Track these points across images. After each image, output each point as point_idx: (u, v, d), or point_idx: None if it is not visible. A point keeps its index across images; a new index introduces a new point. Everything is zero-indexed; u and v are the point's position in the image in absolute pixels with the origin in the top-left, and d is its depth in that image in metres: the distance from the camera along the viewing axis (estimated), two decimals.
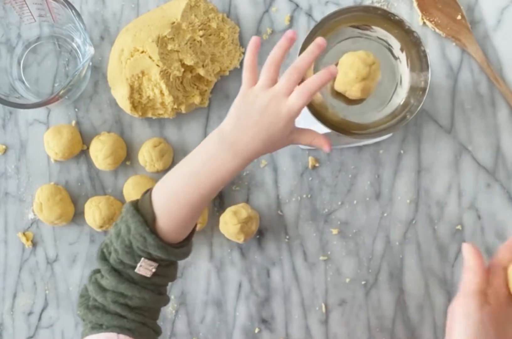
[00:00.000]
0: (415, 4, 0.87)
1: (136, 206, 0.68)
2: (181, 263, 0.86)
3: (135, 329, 0.67)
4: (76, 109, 0.87)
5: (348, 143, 0.85)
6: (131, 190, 0.84)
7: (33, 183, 0.87)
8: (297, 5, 0.88)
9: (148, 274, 0.67)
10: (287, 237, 0.86)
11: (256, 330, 0.85)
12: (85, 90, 0.87)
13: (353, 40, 0.74)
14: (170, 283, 0.85)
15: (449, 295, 0.86)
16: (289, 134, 0.68)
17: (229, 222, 0.82)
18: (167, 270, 0.70)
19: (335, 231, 0.86)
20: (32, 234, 0.86)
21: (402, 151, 0.87)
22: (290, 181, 0.87)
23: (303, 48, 0.72)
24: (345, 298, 0.86)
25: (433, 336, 0.86)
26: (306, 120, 0.79)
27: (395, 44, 0.74)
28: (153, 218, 0.67)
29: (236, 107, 0.68)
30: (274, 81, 0.67)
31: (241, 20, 0.88)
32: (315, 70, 0.73)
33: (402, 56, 0.74)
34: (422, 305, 0.86)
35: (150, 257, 0.67)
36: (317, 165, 0.87)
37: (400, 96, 0.74)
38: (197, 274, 0.86)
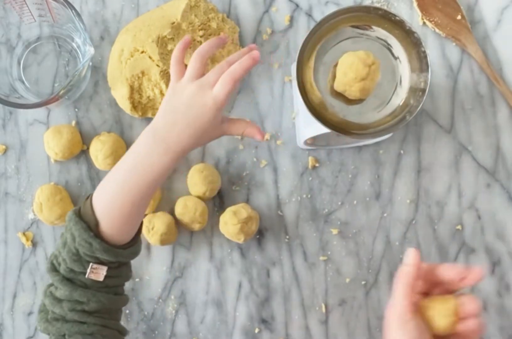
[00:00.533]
0: (415, 4, 0.87)
1: (78, 213, 0.68)
2: (181, 263, 0.86)
3: (97, 332, 0.67)
4: (76, 109, 0.87)
5: (348, 143, 0.85)
6: None
7: (33, 183, 0.87)
8: (297, 5, 0.88)
9: (100, 278, 0.67)
10: (287, 237, 0.86)
11: (256, 330, 0.85)
12: (85, 90, 0.87)
13: (353, 40, 0.74)
14: (170, 283, 0.85)
15: None
16: (219, 125, 0.68)
17: (229, 222, 0.82)
18: (118, 271, 0.70)
19: (335, 231, 0.86)
20: (32, 234, 0.86)
21: (402, 151, 0.87)
22: (290, 181, 0.87)
23: (303, 48, 0.72)
24: (345, 298, 0.86)
25: None
26: (306, 120, 0.79)
27: (395, 44, 0.74)
28: (96, 223, 0.67)
29: (165, 102, 0.68)
30: (200, 73, 0.67)
31: (241, 20, 0.88)
32: (315, 70, 0.73)
33: (402, 57, 0.74)
34: None
35: (99, 261, 0.67)
36: (317, 165, 0.87)
37: (400, 97, 0.74)
38: (197, 274, 0.86)
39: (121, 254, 0.68)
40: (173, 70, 0.69)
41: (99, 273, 0.67)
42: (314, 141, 0.82)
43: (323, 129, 0.74)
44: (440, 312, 0.64)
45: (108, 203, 0.67)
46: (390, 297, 0.64)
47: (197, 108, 0.66)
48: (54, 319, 0.68)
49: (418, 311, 0.64)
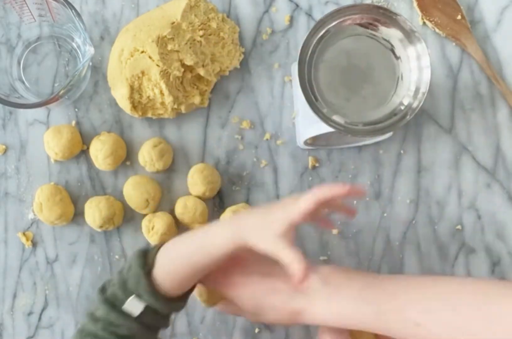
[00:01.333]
0: (415, 4, 0.87)
1: (145, 251, 0.71)
2: None
3: None
4: (76, 109, 0.87)
5: (348, 143, 0.85)
6: (131, 190, 0.84)
7: (33, 183, 0.87)
8: (297, 5, 0.88)
9: (135, 313, 0.68)
10: None
11: (256, 330, 0.85)
12: (85, 90, 0.87)
13: (354, 38, 0.74)
14: None
15: None
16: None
17: None
18: (156, 316, 0.70)
19: (335, 231, 0.86)
20: (32, 234, 0.86)
21: (402, 151, 0.87)
22: (290, 181, 0.87)
23: (304, 48, 0.72)
24: None
25: None
26: (307, 120, 0.79)
27: (397, 43, 0.74)
28: (152, 267, 0.69)
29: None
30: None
31: (241, 20, 0.88)
32: (314, 67, 0.73)
33: (403, 56, 0.74)
34: None
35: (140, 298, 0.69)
36: (317, 165, 0.87)
37: (400, 96, 0.74)
38: None
39: (163, 302, 0.69)
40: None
41: (135, 308, 0.68)
42: (315, 141, 0.82)
43: (324, 129, 0.74)
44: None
45: (170, 258, 0.70)
46: None
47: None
48: (87, 334, 0.69)
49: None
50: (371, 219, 0.86)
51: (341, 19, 0.73)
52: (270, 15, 0.88)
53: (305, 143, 0.82)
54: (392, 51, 0.74)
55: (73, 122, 0.87)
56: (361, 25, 0.74)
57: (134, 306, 0.68)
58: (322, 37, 0.73)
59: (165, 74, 0.81)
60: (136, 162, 0.86)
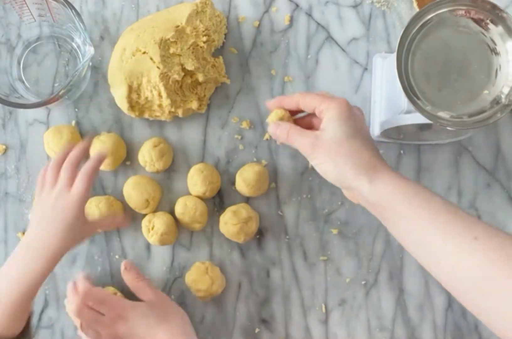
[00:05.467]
0: (415, 4, 0.87)
1: None
2: (181, 263, 0.86)
3: None
4: (76, 109, 0.87)
5: (423, 140, 0.85)
6: (131, 190, 0.84)
7: (33, 183, 0.87)
8: (297, 5, 0.88)
9: None
10: (287, 237, 0.86)
11: (256, 330, 0.85)
12: (85, 90, 0.87)
13: (453, 30, 0.72)
14: (170, 283, 0.84)
15: (449, 295, 0.86)
16: (85, 223, 0.74)
17: (229, 222, 0.82)
18: None
19: (335, 231, 0.86)
20: None
21: (402, 151, 0.87)
22: (290, 181, 0.87)
23: (404, 34, 0.71)
24: (345, 298, 0.86)
25: (433, 336, 0.86)
26: (389, 110, 0.81)
27: (498, 39, 0.71)
28: None
29: (33, 212, 0.74)
30: (72, 180, 0.73)
31: (241, 20, 0.88)
32: (412, 53, 0.72)
33: (503, 50, 0.72)
34: (422, 305, 0.86)
35: None
36: None
37: (493, 94, 0.72)
38: None
39: None
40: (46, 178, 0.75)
41: None
42: (390, 134, 0.83)
43: (408, 120, 0.74)
44: None
45: None
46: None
47: (61, 209, 0.72)
48: None
49: None
50: (371, 219, 0.86)
51: (444, 9, 0.72)
52: (270, 15, 0.88)
53: (382, 134, 0.82)
54: (491, 46, 0.72)
55: (73, 122, 0.87)
56: (468, 18, 0.71)
57: None
58: (423, 25, 0.72)
59: (164, 77, 0.81)
60: (136, 162, 0.86)
